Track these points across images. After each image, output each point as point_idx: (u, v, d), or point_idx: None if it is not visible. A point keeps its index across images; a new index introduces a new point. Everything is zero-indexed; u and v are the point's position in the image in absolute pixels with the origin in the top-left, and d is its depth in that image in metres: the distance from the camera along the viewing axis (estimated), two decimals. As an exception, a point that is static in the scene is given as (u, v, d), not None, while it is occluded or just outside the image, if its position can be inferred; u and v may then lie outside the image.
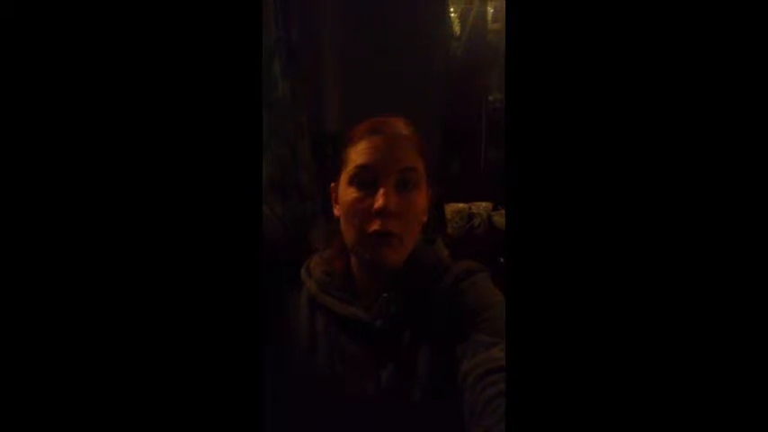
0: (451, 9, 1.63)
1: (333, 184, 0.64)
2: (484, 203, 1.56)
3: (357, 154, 0.58)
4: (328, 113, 1.41)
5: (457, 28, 1.64)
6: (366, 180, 0.57)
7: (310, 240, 0.86)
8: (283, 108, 1.33)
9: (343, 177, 0.60)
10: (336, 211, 0.63)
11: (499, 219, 1.55)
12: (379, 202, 0.55)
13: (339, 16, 1.43)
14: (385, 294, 0.60)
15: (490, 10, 1.63)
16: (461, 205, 1.56)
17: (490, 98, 1.65)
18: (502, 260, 1.37)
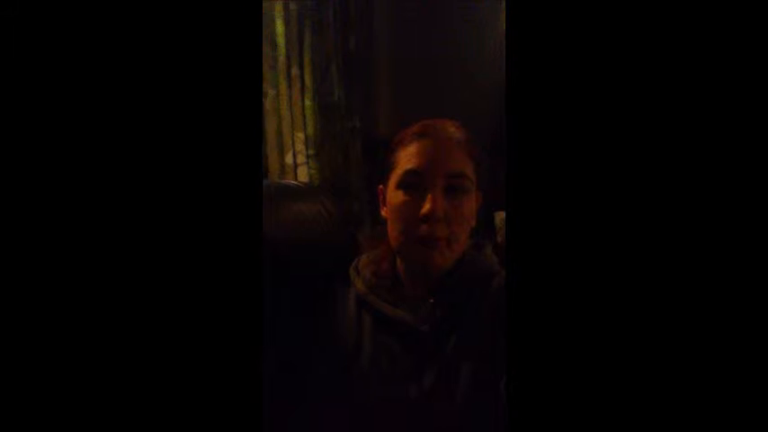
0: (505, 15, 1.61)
1: (380, 186, 0.64)
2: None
3: (406, 158, 0.58)
4: (380, 117, 1.44)
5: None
6: (414, 184, 0.57)
7: (360, 241, 0.88)
8: (337, 112, 1.37)
9: (392, 180, 0.60)
10: (384, 213, 0.63)
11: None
12: (426, 207, 0.55)
13: (395, 22, 1.45)
14: (431, 300, 0.60)
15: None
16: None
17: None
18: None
